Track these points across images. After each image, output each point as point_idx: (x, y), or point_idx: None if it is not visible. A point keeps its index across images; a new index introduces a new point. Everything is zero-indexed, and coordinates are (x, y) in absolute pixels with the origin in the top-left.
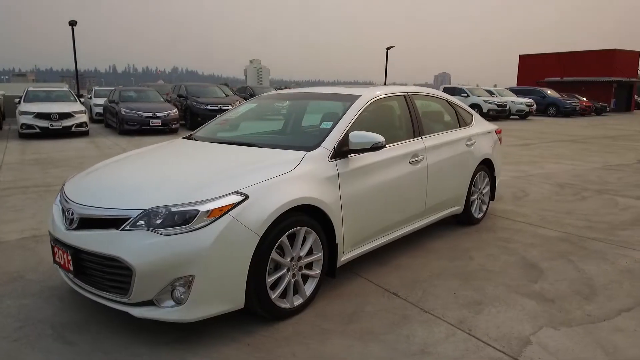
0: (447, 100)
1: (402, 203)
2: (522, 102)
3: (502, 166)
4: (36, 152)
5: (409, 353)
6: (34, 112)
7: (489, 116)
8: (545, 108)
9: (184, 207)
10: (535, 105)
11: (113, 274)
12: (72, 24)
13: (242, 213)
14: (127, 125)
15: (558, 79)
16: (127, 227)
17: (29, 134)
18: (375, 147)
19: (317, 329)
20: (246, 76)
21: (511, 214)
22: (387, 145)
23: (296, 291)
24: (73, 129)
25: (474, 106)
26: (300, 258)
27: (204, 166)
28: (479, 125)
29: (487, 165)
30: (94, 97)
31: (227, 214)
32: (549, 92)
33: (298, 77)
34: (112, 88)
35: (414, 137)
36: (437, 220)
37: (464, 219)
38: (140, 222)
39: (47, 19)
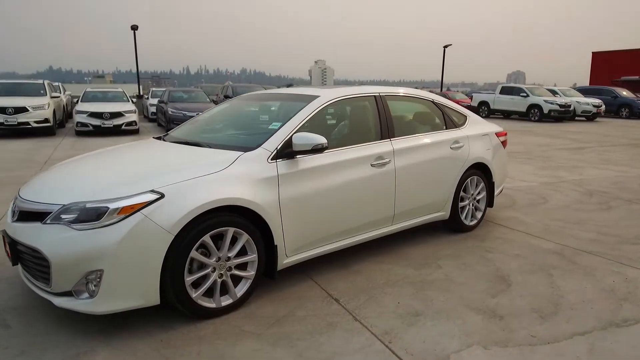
0: (432, 101)
1: (362, 207)
2: (589, 102)
3: (506, 171)
4: (84, 148)
5: (304, 358)
6: (88, 112)
7: (551, 117)
8: (617, 109)
9: (96, 204)
10: (603, 106)
11: (38, 264)
12: (134, 28)
13: (155, 212)
14: (173, 124)
15: (636, 78)
16: (48, 221)
17: (83, 132)
18: (316, 149)
19: (236, 330)
20: (311, 77)
21: (513, 222)
22: (345, 147)
23: (226, 291)
24: (123, 127)
25: (534, 107)
26: (229, 259)
27: (138, 165)
28: (473, 127)
29: (481, 170)
30: (151, 97)
31: (138, 212)
32: (623, 92)
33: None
34: (173, 89)
35: (382, 139)
36: (416, 226)
37: (452, 226)
38: (59, 217)
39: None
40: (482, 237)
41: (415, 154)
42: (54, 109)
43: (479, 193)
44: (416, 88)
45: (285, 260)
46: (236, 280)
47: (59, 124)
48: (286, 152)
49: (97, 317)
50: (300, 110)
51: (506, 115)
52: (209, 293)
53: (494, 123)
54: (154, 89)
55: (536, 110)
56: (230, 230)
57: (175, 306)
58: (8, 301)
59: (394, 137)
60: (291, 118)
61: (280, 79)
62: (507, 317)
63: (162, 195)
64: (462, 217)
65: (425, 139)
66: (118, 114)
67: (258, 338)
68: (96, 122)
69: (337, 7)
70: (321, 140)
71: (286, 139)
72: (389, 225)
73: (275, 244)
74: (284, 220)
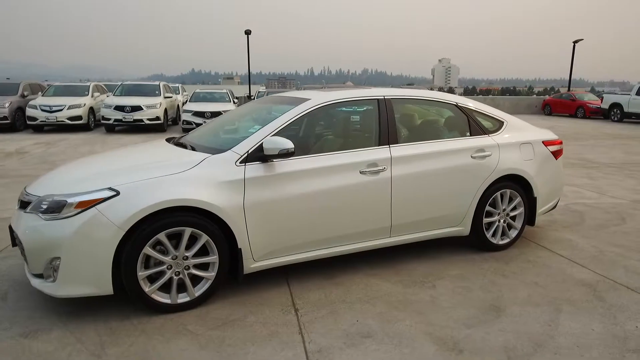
0: (456, 105)
1: (349, 215)
2: None
3: (559, 185)
4: None
5: None
6: (192, 111)
7: None
8: None
9: (59, 198)
10: None
11: (20, 247)
12: (247, 32)
13: (108, 208)
14: None
15: None
16: (27, 210)
17: (188, 129)
18: (282, 154)
19: (179, 328)
20: (433, 76)
21: (560, 245)
22: (331, 153)
23: (185, 289)
24: None
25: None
26: (186, 258)
27: (115, 164)
28: (509, 135)
29: (517, 183)
30: (256, 98)
31: (93, 207)
32: None
33: (491, 75)
34: (272, 89)
35: (379, 145)
36: (428, 239)
37: (476, 244)
38: (35, 207)
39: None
40: (509, 259)
41: (420, 162)
42: (166, 108)
43: (514, 209)
44: (550, 88)
45: (253, 264)
46: (197, 279)
47: (172, 121)
48: (259, 156)
49: (76, 300)
50: (283, 114)
51: None
52: (168, 289)
53: (545, 129)
54: (261, 89)
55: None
56: (188, 230)
57: (132, 298)
58: (18, 277)
59: (395, 143)
60: (270, 122)
61: (401, 78)
62: (467, 352)
63: (118, 193)
64: (488, 235)
65: (438, 146)
66: (218, 113)
67: (194, 338)
68: (199, 120)
69: (464, 3)
70: (287, 145)
71: (258, 143)
72: (386, 237)
73: (239, 247)
74: (250, 224)
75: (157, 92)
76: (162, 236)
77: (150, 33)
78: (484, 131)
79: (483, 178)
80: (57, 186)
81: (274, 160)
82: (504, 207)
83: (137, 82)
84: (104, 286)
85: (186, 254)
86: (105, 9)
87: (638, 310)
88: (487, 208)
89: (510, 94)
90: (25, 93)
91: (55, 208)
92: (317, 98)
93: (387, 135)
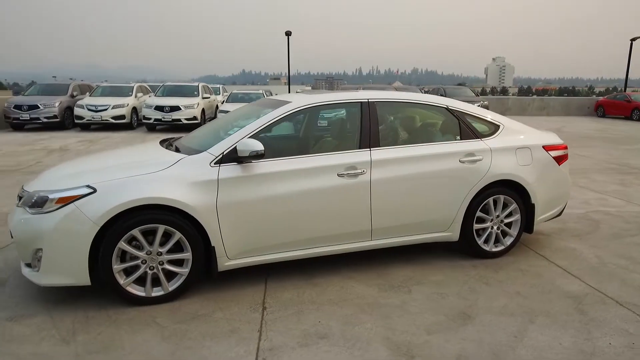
0: (446, 108)
1: (325, 218)
2: None
3: (563, 192)
4: None
5: (174, 357)
6: (227, 111)
7: None
8: None
9: (43, 194)
10: None
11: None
12: (288, 34)
13: (85, 204)
14: None
15: None
16: (18, 204)
17: None
18: (252, 156)
19: (148, 320)
20: (487, 75)
21: (560, 254)
22: (308, 155)
23: (159, 283)
24: None
25: None
26: (160, 254)
27: (100, 162)
28: (505, 139)
29: (512, 189)
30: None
31: (71, 204)
32: None
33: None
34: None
35: (359, 148)
36: (410, 244)
37: (467, 250)
38: (24, 201)
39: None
40: (500, 267)
41: (403, 166)
42: (203, 108)
43: (509, 215)
44: (612, 88)
45: (228, 262)
46: (172, 274)
47: (210, 120)
48: (234, 157)
49: (65, 290)
50: (260, 116)
51: None
52: (141, 282)
53: (550, 133)
54: (298, 90)
55: None
56: (161, 228)
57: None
58: (20, 267)
59: (377, 146)
60: (247, 124)
61: (452, 78)
62: (419, 359)
63: (95, 190)
64: (480, 241)
65: (423, 150)
66: None
67: (159, 331)
68: None
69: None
70: (257, 147)
71: (234, 145)
72: (367, 240)
73: (212, 245)
74: (223, 223)
75: (195, 92)
76: (136, 232)
77: (204, 35)
78: (475, 135)
79: (472, 183)
80: (46, 183)
81: (251, 161)
82: (497, 214)
83: (177, 84)
84: (82, 277)
85: (160, 250)
86: (160, 13)
87: (618, 327)
88: (479, 214)
89: (569, 94)
90: (75, 93)
91: (40, 203)
92: (297, 101)
93: (368, 139)
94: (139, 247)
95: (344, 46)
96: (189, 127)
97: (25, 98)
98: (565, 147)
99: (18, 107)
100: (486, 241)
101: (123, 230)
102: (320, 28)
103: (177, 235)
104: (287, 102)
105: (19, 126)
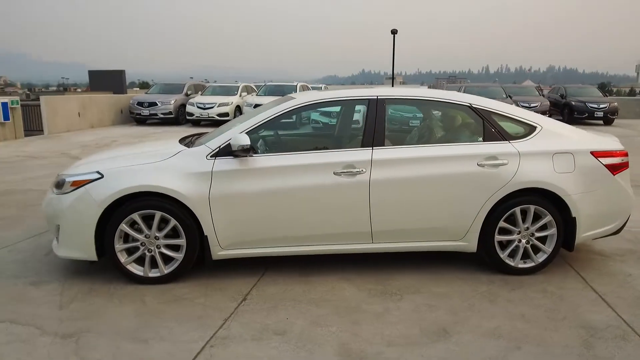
0: (469, 106)
1: (320, 216)
2: None
3: (619, 207)
4: None
5: (135, 332)
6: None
7: None
8: None
9: (63, 177)
10: None
11: None
12: (394, 32)
13: (93, 188)
14: None
15: None
16: (51, 186)
17: None
18: (239, 150)
19: (136, 298)
20: (638, 73)
21: (605, 278)
22: (304, 152)
23: (156, 265)
24: None
25: None
26: (157, 238)
27: (123, 151)
28: (542, 142)
29: (547, 199)
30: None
31: (83, 187)
32: None
33: None
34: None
35: (361, 146)
36: (418, 251)
37: (489, 264)
38: (54, 183)
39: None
40: (519, 285)
41: (409, 167)
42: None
43: (543, 228)
44: None
45: (221, 252)
46: (169, 258)
47: None
48: (229, 151)
49: (88, 264)
50: (262, 112)
51: None
52: (141, 262)
53: (610, 136)
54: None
55: None
56: (158, 214)
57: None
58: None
59: (381, 145)
60: (247, 120)
61: (596, 76)
62: None
63: (102, 176)
64: (503, 255)
65: (433, 151)
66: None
67: (139, 308)
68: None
69: None
70: (243, 142)
71: (229, 139)
72: (367, 242)
73: (205, 234)
74: (215, 214)
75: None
76: (135, 216)
77: (326, 37)
78: (503, 137)
79: (493, 190)
80: (72, 168)
81: (246, 156)
82: (526, 226)
83: (278, 83)
84: (90, 253)
85: (157, 235)
86: (287, 17)
87: None
88: (502, 224)
89: None
90: (189, 92)
91: (61, 185)
92: (300, 98)
93: (372, 137)
94: (140, 231)
95: (470, 44)
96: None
97: (146, 96)
98: (624, 154)
99: (140, 104)
100: (512, 256)
101: (125, 213)
102: (444, 25)
103: (173, 222)
104: (291, 99)
105: (141, 121)
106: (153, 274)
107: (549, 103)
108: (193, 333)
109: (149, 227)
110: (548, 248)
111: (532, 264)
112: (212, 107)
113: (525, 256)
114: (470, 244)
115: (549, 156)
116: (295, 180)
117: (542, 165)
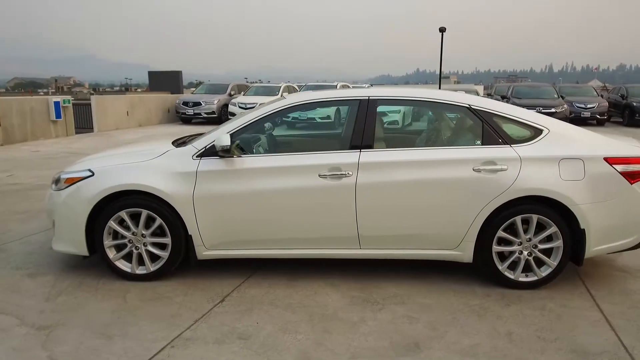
0: (468, 107)
1: (305, 219)
2: None
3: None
4: None
5: (106, 328)
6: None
7: None
8: None
9: (59, 175)
10: None
11: None
12: (442, 30)
13: (84, 185)
14: None
15: None
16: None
17: None
18: (219, 150)
19: (119, 294)
20: None
21: (617, 297)
22: (289, 153)
23: (143, 263)
24: None
25: None
26: (144, 236)
27: (120, 150)
28: (548, 146)
29: (552, 208)
30: (495, 94)
31: (75, 184)
32: None
33: None
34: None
35: (349, 149)
36: (410, 259)
37: (489, 277)
38: (53, 180)
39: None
40: (517, 301)
41: (398, 171)
42: None
43: (548, 240)
44: None
45: (205, 252)
46: (156, 256)
47: None
48: (214, 151)
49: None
50: (248, 113)
51: None
52: (129, 259)
53: (629, 141)
54: (498, 85)
55: None
56: (144, 212)
57: None
58: None
59: (370, 147)
60: (233, 120)
61: None
62: None
63: (93, 174)
64: (501, 267)
65: (425, 154)
66: None
67: (118, 304)
68: None
69: None
70: (223, 142)
71: (214, 139)
72: (355, 248)
73: (189, 233)
74: (199, 213)
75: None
76: (123, 214)
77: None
78: (504, 140)
79: (490, 196)
80: (70, 166)
81: (232, 156)
82: (528, 237)
83: (319, 83)
84: (81, 248)
85: (144, 233)
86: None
87: None
88: (501, 234)
89: None
90: (232, 92)
91: (57, 181)
92: (290, 98)
93: (360, 139)
94: (128, 228)
95: (533, 42)
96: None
97: (192, 96)
98: (636, 161)
99: (185, 103)
100: (513, 268)
101: (113, 211)
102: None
103: (159, 221)
104: (281, 99)
105: (186, 120)
106: (140, 271)
107: (607, 104)
108: (160, 332)
109: (137, 225)
110: (553, 261)
111: (535, 278)
112: (252, 107)
113: (528, 269)
114: (465, 253)
115: (555, 162)
116: (280, 182)
117: (546, 171)
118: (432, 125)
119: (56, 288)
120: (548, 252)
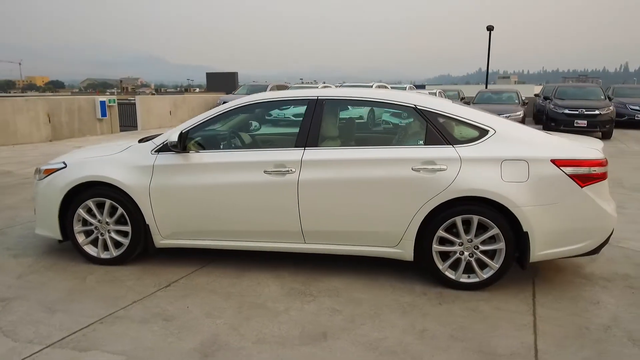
0: (414, 108)
1: (250, 213)
2: None
3: (590, 223)
4: None
5: (51, 305)
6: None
7: None
8: None
9: (41, 167)
10: None
11: None
12: (490, 29)
13: (58, 176)
14: (551, 122)
15: None
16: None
17: None
18: (170, 147)
19: (81, 276)
20: None
21: (562, 302)
22: (237, 150)
23: (107, 248)
24: None
25: None
26: (108, 223)
27: (94, 146)
28: (491, 147)
29: (495, 209)
30: (541, 95)
31: (50, 175)
32: None
33: None
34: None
35: (295, 146)
36: (354, 255)
37: (431, 274)
38: (35, 171)
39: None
40: (452, 300)
41: (337, 169)
42: None
43: (490, 242)
44: None
45: (162, 240)
46: (119, 243)
47: None
48: (169, 147)
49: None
50: (208, 111)
51: None
52: (96, 244)
53: (591, 143)
54: (547, 85)
55: None
56: (108, 202)
57: None
58: None
59: (314, 146)
60: (192, 118)
61: None
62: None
63: (66, 166)
64: (442, 267)
65: (365, 153)
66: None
67: (74, 285)
68: None
69: None
70: (172, 139)
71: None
72: (299, 242)
73: (147, 223)
74: (154, 204)
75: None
76: (90, 203)
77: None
78: (447, 140)
79: (427, 196)
80: (53, 159)
81: (188, 152)
82: (469, 237)
83: (357, 84)
84: (55, 232)
85: (107, 220)
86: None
87: None
88: (442, 234)
89: None
90: None
91: (39, 172)
92: (245, 98)
93: (305, 138)
94: (94, 216)
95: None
96: None
97: (231, 96)
98: (598, 164)
99: (224, 103)
100: (454, 268)
101: (81, 200)
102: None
103: (120, 211)
104: (240, 99)
105: None
106: (105, 255)
107: None
108: (98, 310)
109: (102, 213)
110: (495, 264)
111: (477, 280)
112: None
113: (470, 271)
114: (405, 251)
115: (497, 163)
116: (228, 177)
117: (486, 172)
118: (381, 125)
119: (32, 268)
120: (492, 254)
